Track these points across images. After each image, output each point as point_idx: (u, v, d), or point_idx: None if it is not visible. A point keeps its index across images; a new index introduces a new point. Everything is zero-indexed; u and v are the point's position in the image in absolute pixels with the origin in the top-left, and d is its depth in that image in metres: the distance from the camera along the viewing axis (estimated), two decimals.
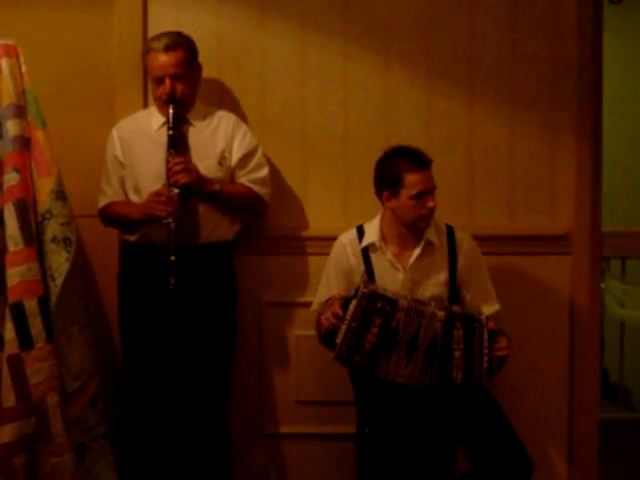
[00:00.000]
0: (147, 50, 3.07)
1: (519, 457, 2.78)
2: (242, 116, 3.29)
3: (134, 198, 3.09)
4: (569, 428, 3.36)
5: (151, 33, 3.22)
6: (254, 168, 3.14)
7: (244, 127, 3.18)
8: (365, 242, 2.93)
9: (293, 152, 3.36)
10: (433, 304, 2.78)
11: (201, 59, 3.13)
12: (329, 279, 2.98)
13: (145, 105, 3.31)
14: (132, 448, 3.16)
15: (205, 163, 3.05)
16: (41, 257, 2.92)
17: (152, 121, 3.13)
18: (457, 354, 2.73)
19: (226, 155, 3.12)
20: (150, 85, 3.15)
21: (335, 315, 2.74)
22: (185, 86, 3.04)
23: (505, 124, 3.34)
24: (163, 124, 3.07)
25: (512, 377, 3.20)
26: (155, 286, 2.98)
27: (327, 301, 2.89)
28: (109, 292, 3.29)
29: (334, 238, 3.02)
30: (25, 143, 2.94)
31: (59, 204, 2.96)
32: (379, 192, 2.89)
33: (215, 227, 3.08)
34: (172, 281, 2.90)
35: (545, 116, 3.33)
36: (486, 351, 2.73)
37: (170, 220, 2.92)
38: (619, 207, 4.98)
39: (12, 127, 2.92)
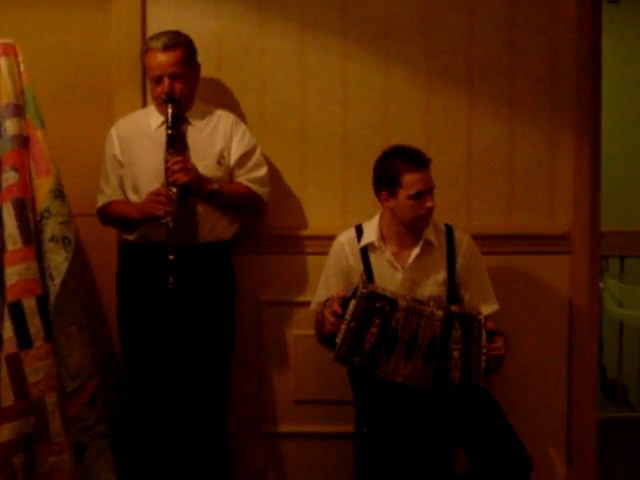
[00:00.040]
0: (146, 49, 3.06)
1: (518, 456, 2.78)
2: (241, 116, 3.29)
3: (133, 197, 3.09)
4: (568, 427, 3.36)
5: (150, 33, 3.21)
6: (253, 167, 3.14)
7: (243, 126, 3.18)
8: (364, 242, 2.93)
9: (292, 151, 3.36)
10: (432, 303, 2.79)
11: (200, 58, 3.13)
12: (328, 279, 2.98)
13: (144, 104, 3.31)
14: (131, 447, 3.16)
15: (204, 162, 3.05)
16: (40, 256, 2.92)
17: (151, 120, 3.13)
18: (455, 354, 2.74)
19: (225, 154, 3.12)
20: (149, 84, 3.14)
21: (334, 314, 2.74)
22: (184, 85, 3.04)
23: (504, 124, 3.34)
24: (162, 123, 3.07)
25: (511, 376, 3.20)
26: (154, 285, 2.98)
27: (326, 301, 2.89)
28: (108, 291, 3.29)
29: (333, 237, 3.02)
30: (24, 142, 2.94)
31: (58, 203, 2.96)
32: (378, 192, 2.89)
33: (214, 226, 3.08)
34: (171, 280, 2.90)
35: (544, 116, 3.33)
36: (484, 351, 2.73)
37: (169, 219, 2.92)
38: (618, 206, 4.98)
39: (11, 126, 2.92)
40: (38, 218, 2.94)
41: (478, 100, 3.34)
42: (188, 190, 2.97)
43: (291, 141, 3.36)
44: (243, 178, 3.13)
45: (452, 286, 2.92)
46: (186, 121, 3.10)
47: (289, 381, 3.38)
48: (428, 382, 2.74)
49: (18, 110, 2.94)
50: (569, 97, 3.31)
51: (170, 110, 2.98)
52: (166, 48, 3.00)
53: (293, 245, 3.35)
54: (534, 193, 3.34)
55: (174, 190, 2.94)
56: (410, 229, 2.89)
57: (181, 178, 2.94)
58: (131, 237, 3.11)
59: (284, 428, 3.40)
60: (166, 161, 2.97)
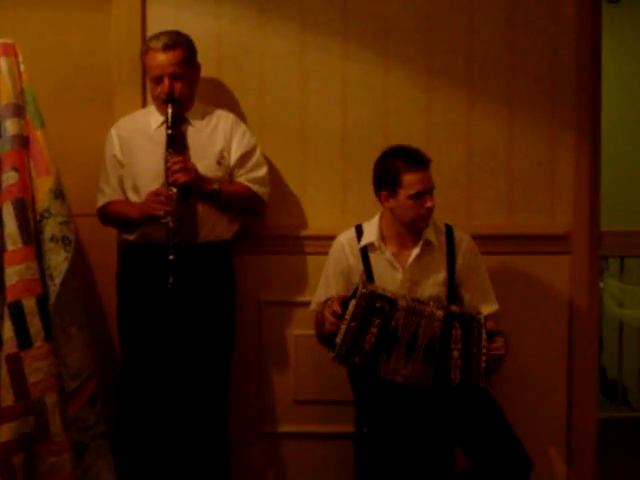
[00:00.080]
0: (146, 49, 3.06)
1: (518, 456, 2.78)
2: (241, 116, 3.29)
3: (133, 197, 3.09)
4: (568, 427, 3.36)
5: (150, 33, 3.21)
6: (253, 167, 3.14)
7: (243, 126, 3.18)
8: (364, 242, 2.93)
9: (292, 151, 3.36)
10: (432, 303, 2.79)
11: (200, 58, 3.13)
12: (328, 279, 2.98)
13: (144, 104, 3.31)
14: (131, 447, 3.15)
15: (204, 162, 3.05)
16: (40, 256, 2.92)
17: (151, 120, 3.13)
18: (455, 354, 2.74)
19: (225, 154, 3.12)
20: (149, 84, 3.14)
21: (334, 314, 2.74)
22: (184, 85, 3.04)
23: (504, 124, 3.35)
24: (162, 123, 3.07)
25: (511, 376, 3.20)
26: (154, 285, 2.98)
27: (326, 301, 2.88)
28: (108, 291, 3.29)
29: (333, 237, 3.02)
30: (24, 142, 2.94)
31: (58, 203, 2.96)
32: (378, 192, 2.89)
33: (214, 226, 3.08)
34: (171, 280, 2.90)
35: (544, 116, 3.33)
36: (484, 351, 2.73)
37: (169, 219, 2.92)
38: (618, 206, 4.98)
39: (11, 126, 2.92)
40: (38, 218, 2.94)
41: (478, 100, 3.34)
42: (188, 190, 2.97)
43: (291, 141, 3.36)
44: (243, 178, 3.13)
45: (452, 286, 2.91)
46: (186, 121, 3.10)
47: (289, 381, 3.38)
48: (428, 382, 2.74)
49: (18, 110, 2.94)
50: (569, 97, 3.31)
51: (170, 110, 2.98)
52: (166, 48, 3.00)
53: (293, 245, 3.35)
54: (534, 193, 3.34)
55: (174, 190, 2.94)
56: (410, 229, 2.89)
57: (181, 178, 2.94)
58: (131, 237, 3.11)
59: (284, 428, 3.40)
60: (166, 161, 2.97)
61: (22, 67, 2.98)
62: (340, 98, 3.34)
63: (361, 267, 2.92)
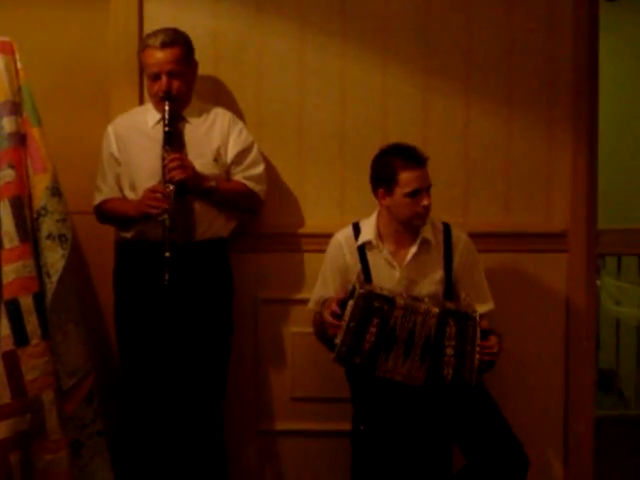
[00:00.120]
0: (143, 47, 3.06)
1: (515, 453, 2.78)
2: (238, 114, 3.29)
3: (130, 195, 3.09)
4: (565, 425, 3.37)
5: (147, 30, 3.21)
6: (250, 165, 3.14)
7: (240, 124, 3.18)
8: (361, 240, 2.93)
9: (289, 150, 3.36)
10: (426, 300, 2.78)
11: (197, 56, 3.12)
12: (325, 277, 2.98)
13: (141, 102, 3.31)
14: (128, 445, 3.15)
15: (201, 160, 3.05)
16: (37, 254, 2.91)
17: (148, 118, 3.13)
18: (449, 351, 2.73)
19: (221, 152, 3.11)
20: (146, 82, 3.14)
21: (333, 314, 2.74)
22: (181, 83, 3.03)
23: (502, 122, 3.35)
24: (159, 121, 3.06)
25: (508, 374, 3.21)
26: (151, 283, 2.98)
27: (324, 303, 2.88)
28: (105, 289, 3.28)
29: (330, 235, 3.02)
30: (21, 140, 2.94)
31: (55, 201, 2.95)
32: (375, 190, 2.89)
33: (211, 224, 3.08)
34: (167, 277, 2.90)
35: (542, 115, 3.33)
36: (478, 349, 2.72)
37: (165, 217, 2.91)
38: (615, 205, 4.98)
39: (8, 124, 2.91)
40: (35, 216, 2.93)
41: (476, 99, 3.34)
42: (185, 187, 2.97)
43: (289, 139, 3.36)
44: (240, 176, 3.13)
45: (449, 284, 2.91)
46: (183, 119, 3.10)
47: (286, 379, 3.38)
48: (421, 379, 2.73)
49: (15, 108, 2.94)
50: (566, 96, 3.31)
51: (167, 108, 2.98)
52: (164, 46, 3.00)
53: (290, 243, 3.35)
54: (531, 191, 3.35)
55: (171, 187, 2.94)
56: (407, 227, 2.89)
57: (178, 175, 2.93)
58: (128, 235, 3.11)
59: (281, 425, 3.40)
60: (163, 158, 2.97)
61: (19, 65, 2.98)
62: (338, 97, 3.35)
63: (359, 265, 2.92)
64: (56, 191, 2.96)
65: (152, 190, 2.96)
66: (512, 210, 3.36)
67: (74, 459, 2.95)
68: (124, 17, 3.30)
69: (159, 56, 3.00)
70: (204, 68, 3.20)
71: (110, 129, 3.15)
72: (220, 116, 3.16)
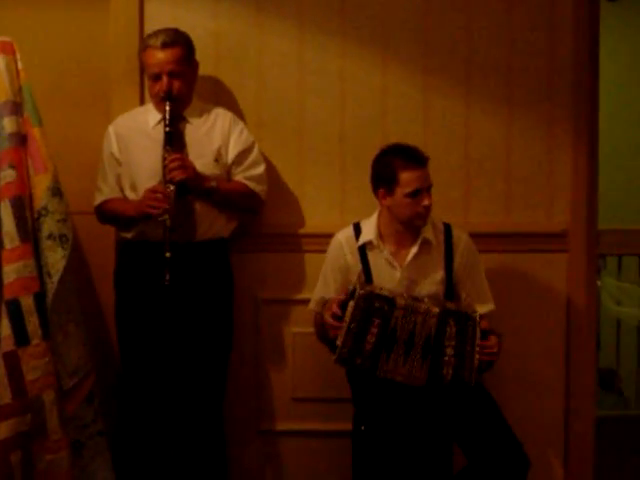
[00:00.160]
0: (144, 47, 3.06)
1: (516, 454, 2.78)
2: (239, 114, 3.29)
3: (131, 195, 3.09)
4: (565, 425, 3.37)
5: (147, 30, 3.21)
6: (250, 165, 3.14)
7: (241, 124, 3.18)
8: (362, 240, 2.93)
9: (290, 150, 3.36)
10: (426, 300, 2.78)
11: (198, 56, 3.12)
12: (326, 277, 2.98)
13: (141, 102, 3.31)
14: (128, 445, 3.15)
15: (201, 160, 3.05)
16: (37, 254, 2.91)
17: (149, 118, 3.13)
18: (449, 351, 2.73)
19: (222, 152, 3.11)
20: (147, 82, 3.14)
21: (334, 315, 2.74)
22: (182, 83, 3.03)
23: (502, 122, 3.35)
24: (160, 121, 3.07)
25: (508, 374, 3.21)
26: (151, 283, 2.98)
27: (324, 304, 2.88)
28: (105, 289, 3.29)
29: (331, 235, 3.02)
30: (21, 140, 2.94)
31: (55, 201, 2.96)
32: (375, 190, 2.89)
33: (212, 224, 3.08)
34: (167, 278, 2.90)
35: (542, 115, 3.33)
36: (477, 349, 2.72)
37: (166, 217, 2.92)
38: (616, 205, 4.98)
39: (8, 124, 2.91)
40: (36, 216, 2.93)
41: (476, 99, 3.34)
42: (186, 188, 2.97)
43: (289, 139, 3.36)
44: (241, 176, 3.13)
45: (450, 285, 2.91)
46: (184, 119, 3.10)
47: (287, 379, 3.38)
48: (423, 379, 2.73)
49: (16, 108, 2.94)
50: (567, 95, 3.31)
51: (168, 108, 2.98)
52: (165, 46, 3.00)
53: (291, 243, 3.35)
54: (532, 191, 3.35)
55: (172, 188, 2.94)
56: (408, 227, 2.89)
57: (179, 176, 2.94)
58: (128, 235, 3.11)
59: (282, 426, 3.40)
60: (164, 159, 2.97)
61: (20, 65, 2.98)
62: (338, 96, 3.35)
63: (359, 266, 2.92)
64: (57, 191, 2.96)
65: (153, 190, 2.96)
66: (512, 210, 3.36)
67: (75, 459, 2.95)
68: (125, 17, 3.30)
69: (160, 56, 3.00)
70: (204, 68, 3.20)
71: (111, 129, 3.15)
72: (221, 116, 3.16)
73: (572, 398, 3.36)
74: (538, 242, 3.33)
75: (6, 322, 2.84)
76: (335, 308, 2.75)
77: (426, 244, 2.90)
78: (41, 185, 2.95)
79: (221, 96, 3.33)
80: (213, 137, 3.11)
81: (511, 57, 3.33)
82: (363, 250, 2.93)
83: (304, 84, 3.35)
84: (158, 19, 3.26)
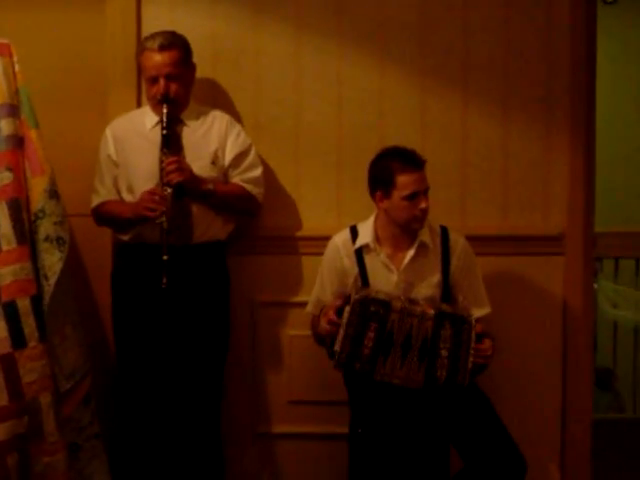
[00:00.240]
0: (141, 50, 3.06)
1: (513, 456, 2.78)
2: (236, 116, 3.29)
3: (128, 197, 3.09)
4: (562, 428, 3.37)
5: (144, 33, 3.21)
6: (247, 168, 3.15)
7: (238, 127, 3.18)
8: (359, 243, 2.93)
9: (287, 152, 3.36)
10: (422, 302, 2.78)
11: (195, 59, 3.13)
12: (323, 280, 2.98)
13: (138, 105, 3.31)
14: (125, 448, 3.15)
15: (198, 163, 3.05)
16: (34, 256, 2.91)
17: (146, 120, 3.13)
18: (443, 353, 2.72)
19: (219, 154, 3.12)
20: (144, 85, 3.14)
21: (330, 322, 2.74)
22: (179, 86, 3.04)
23: (499, 124, 3.35)
24: (157, 123, 3.07)
25: (505, 377, 3.21)
26: (148, 285, 2.98)
27: (322, 309, 2.88)
28: (102, 291, 3.29)
29: (328, 238, 3.02)
30: (18, 142, 2.94)
31: (52, 203, 2.95)
32: (372, 193, 2.89)
33: (208, 227, 3.08)
34: (164, 280, 2.90)
35: (539, 117, 3.33)
36: (472, 352, 2.72)
37: (163, 219, 2.91)
38: (612, 208, 4.99)
39: (5, 126, 2.91)
40: (32, 218, 2.93)
41: (473, 100, 3.34)
42: (182, 190, 2.97)
43: (286, 141, 3.36)
44: (238, 178, 3.13)
45: (446, 288, 2.91)
46: (181, 121, 3.10)
47: (283, 382, 3.38)
48: (420, 381, 2.73)
49: (13, 110, 2.94)
50: (564, 98, 3.31)
51: (165, 110, 2.98)
52: (162, 48, 3.00)
53: (288, 245, 3.35)
54: (528, 194, 3.35)
55: (169, 190, 2.94)
56: (405, 230, 2.88)
57: (175, 178, 2.93)
58: (125, 237, 3.11)
59: (278, 429, 3.40)
60: (161, 161, 2.97)
61: (17, 67, 2.97)
62: (335, 99, 3.35)
63: (356, 269, 2.91)
64: (54, 193, 2.96)
65: (150, 193, 2.96)
66: (509, 213, 3.36)
67: (71, 462, 2.95)
68: (122, 19, 3.31)
69: (157, 59, 3.00)
70: (202, 70, 3.20)
71: (108, 131, 3.15)
72: (218, 119, 3.16)
73: (569, 400, 3.36)
74: (535, 245, 3.33)
75: (3, 324, 2.83)
76: (331, 315, 2.74)
77: (423, 247, 2.90)
78: (38, 187, 2.94)
79: (218, 98, 3.33)
80: (210, 140, 3.11)
81: (508, 59, 3.33)
82: (360, 253, 2.92)
83: (301, 86, 3.35)
84: (155, 21, 3.27)
